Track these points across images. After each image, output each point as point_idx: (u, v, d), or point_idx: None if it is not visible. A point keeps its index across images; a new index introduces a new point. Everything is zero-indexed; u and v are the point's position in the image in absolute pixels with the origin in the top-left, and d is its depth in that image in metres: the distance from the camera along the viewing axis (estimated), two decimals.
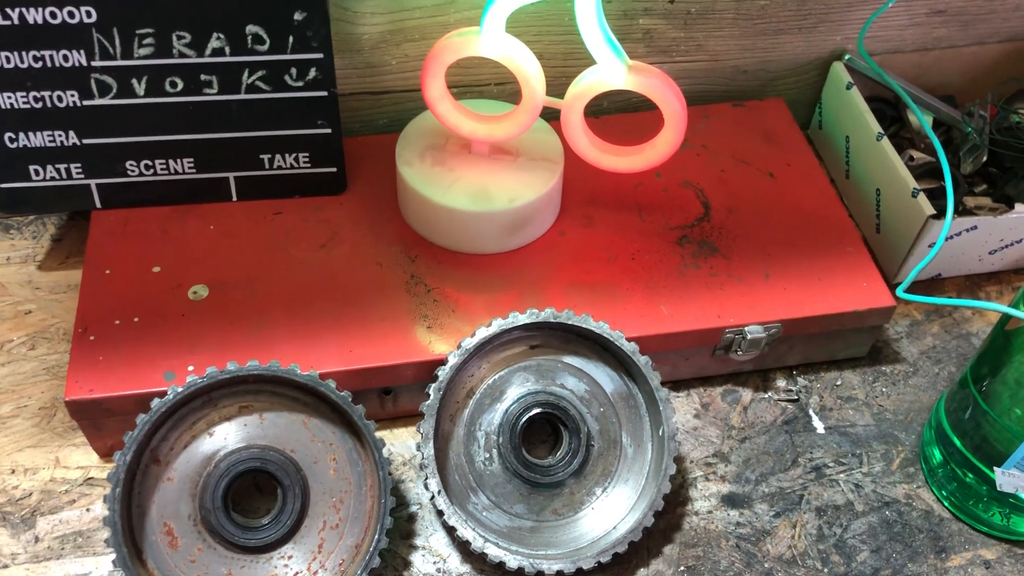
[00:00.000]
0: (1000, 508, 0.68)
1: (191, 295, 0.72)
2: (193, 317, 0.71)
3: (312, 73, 0.73)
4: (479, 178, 0.76)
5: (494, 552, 0.64)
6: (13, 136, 0.73)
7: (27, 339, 0.77)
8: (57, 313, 0.79)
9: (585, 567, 0.65)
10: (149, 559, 0.63)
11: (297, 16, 0.70)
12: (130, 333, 0.70)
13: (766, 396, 0.77)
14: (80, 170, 0.76)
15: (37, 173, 0.75)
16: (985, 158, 0.87)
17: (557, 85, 0.76)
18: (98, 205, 0.78)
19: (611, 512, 0.68)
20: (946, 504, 0.72)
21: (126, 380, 0.67)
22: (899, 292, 0.70)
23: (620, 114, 0.88)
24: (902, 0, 0.86)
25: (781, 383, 0.78)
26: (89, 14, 0.68)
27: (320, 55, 0.72)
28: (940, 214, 0.77)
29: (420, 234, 0.77)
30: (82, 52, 0.70)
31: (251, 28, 0.71)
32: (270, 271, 0.74)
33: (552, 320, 0.68)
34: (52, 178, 0.76)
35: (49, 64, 0.70)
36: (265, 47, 0.72)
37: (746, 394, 0.77)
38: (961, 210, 0.85)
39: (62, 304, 0.80)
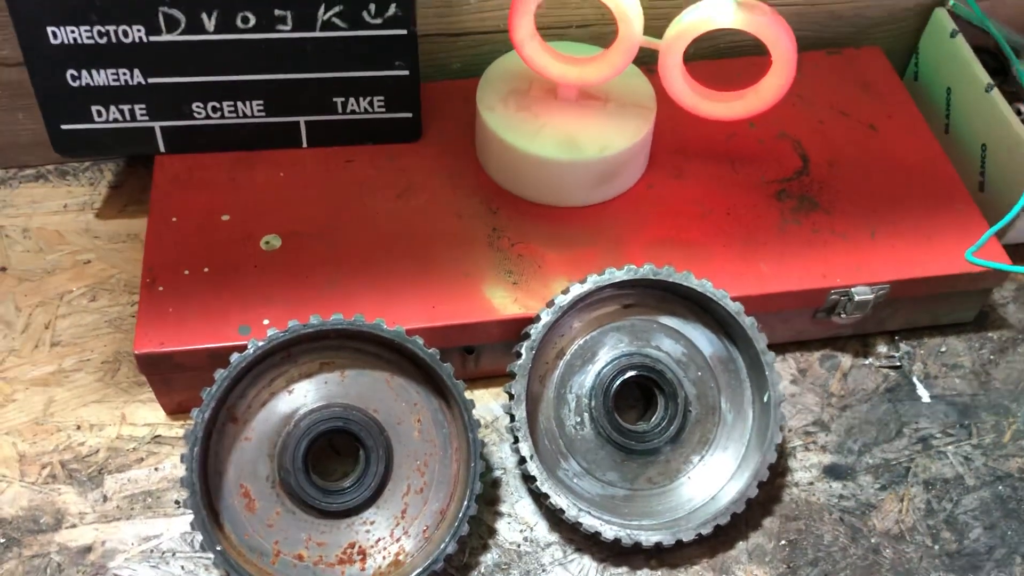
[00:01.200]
0: None
1: (263, 245, 0.68)
2: (266, 268, 0.67)
3: (392, 9, 0.69)
4: (566, 125, 0.71)
5: (589, 521, 0.61)
6: (75, 74, 0.69)
7: (87, 290, 0.74)
8: (117, 263, 0.75)
9: (685, 539, 0.61)
10: (226, 522, 0.59)
11: None
12: (201, 284, 0.66)
13: (867, 362, 0.73)
14: (144, 111, 0.71)
15: (99, 114, 0.71)
16: None
17: (645, 27, 0.71)
18: (162, 149, 0.74)
19: (709, 482, 0.64)
20: None
21: (199, 333, 0.63)
22: (968, 256, 0.66)
23: (703, 60, 0.83)
24: None
25: (882, 348, 0.74)
26: None
27: None
28: None
29: (501, 185, 0.73)
30: None
31: None
32: (345, 222, 0.70)
33: (651, 277, 0.64)
34: (115, 119, 0.72)
35: None
36: None
37: (846, 360, 0.73)
38: None
39: (122, 254, 0.76)
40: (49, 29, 0.66)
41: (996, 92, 0.78)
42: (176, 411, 0.68)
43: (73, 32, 0.67)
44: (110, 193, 0.80)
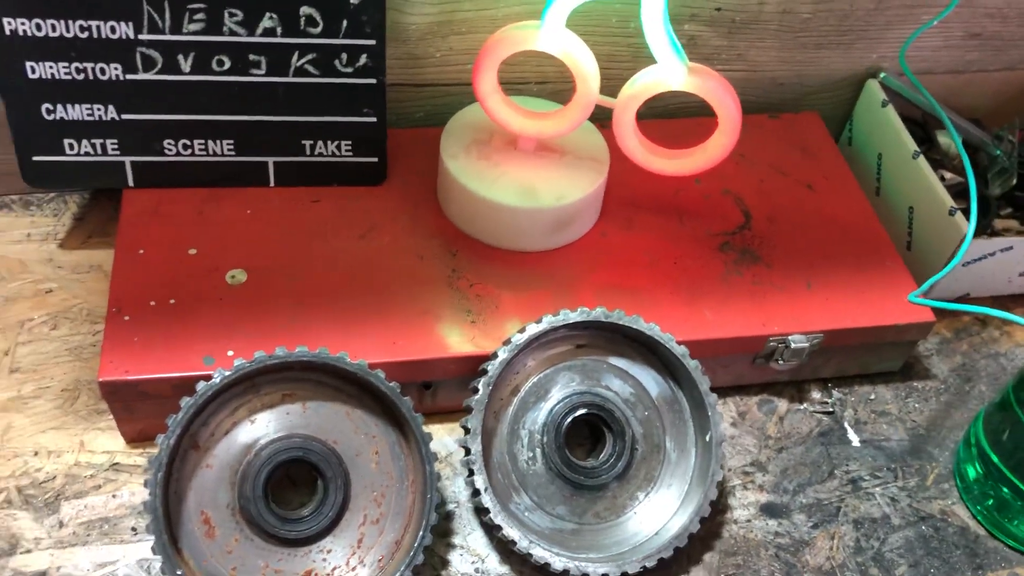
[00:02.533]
0: None
1: (229, 279, 0.70)
2: (231, 302, 0.69)
3: (363, 59, 0.72)
4: (525, 174, 0.75)
5: (539, 553, 0.63)
6: (51, 107, 0.71)
7: (48, 319, 0.75)
8: (79, 293, 0.77)
9: (631, 572, 0.63)
10: (184, 548, 0.60)
11: (353, 0, 0.69)
12: (166, 315, 0.68)
13: (801, 407, 0.77)
14: (116, 146, 0.73)
15: (71, 147, 0.73)
16: (1014, 181, 0.87)
17: (600, 86, 0.76)
18: (131, 184, 0.75)
19: (654, 517, 0.67)
20: (980, 520, 0.72)
21: (164, 362, 0.65)
22: (910, 297, 0.71)
23: (655, 119, 0.88)
24: (938, 22, 0.87)
25: (816, 395, 0.78)
26: None
27: (372, 41, 0.71)
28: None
29: (461, 229, 0.76)
30: (130, 24, 0.68)
31: (305, 10, 0.69)
32: (309, 259, 0.73)
33: (603, 319, 0.67)
34: (86, 153, 0.73)
35: (95, 35, 0.68)
36: (318, 30, 0.70)
37: (782, 404, 0.77)
38: (990, 232, 0.86)
39: (84, 284, 0.77)
40: (28, 63, 0.68)
41: (922, 159, 0.84)
42: (136, 439, 0.69)
43: (51, 67, 0.69)
44: (74, 224, 0.81)
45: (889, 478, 0.74)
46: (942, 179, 0.88)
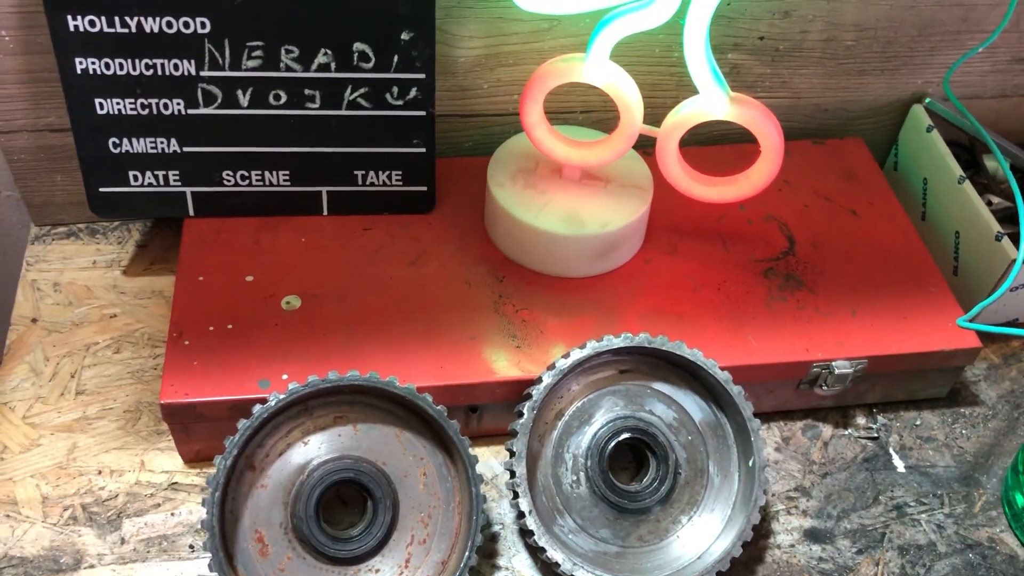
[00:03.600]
0: None
1: (284, 305, 0.73)
2: (286, 327, 0.72)
3: (413, 93, 0.74)
4: (570, 202, 0.77)
5: (583, 575, 0.64)
6: (117, 141, 0.74)
7: (112, 342, 0.78)
8: (141, 318, 0.80)
9: None
10: (239, 565, 0.63)
11: (404, 36, 0.72)
12: (224, 340, 0.70)
13: (846, 433, 0.77)
14: (177, 177, 0.77)
15: (136, 178, 0.76)
16: None
17: (644, 116, 0.77)
18: (191, 213, 0.79)
19: (697, 541, 0.68)
20: None
21: (221, 385, 0.68)
22: (959, 321, 0.70)
23: (698, 147, 0.89)
24: (986, 47, 0.87)
25: (861, 420, 0.78)
26: (204, 25, 0.70)
27: (422, 75, 0.74)
28: None
29: (508, 255, 0.78)
30: (192, 62, 0.71)
31: (358, 46, 0.72)
32: (361, 285, 0.75)
33: (646, 345, 0.68)
34: (149, 184, 0.77)
35: (159, 72, 0.71)
36: (370, 65, 0.73)
37: (826, 430, 0.77)
38: None
39: (146, 309, 0.80)
40: (97, 100, 0.72)
41: (968, 184, 0.84)
42: (194, 460, 0.72)
43: (119, 104, 0.72)
44: (137, 252, 0.84)
45: (935, 504, 0.74)
46: (989, 204, 0.87)
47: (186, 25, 0.69)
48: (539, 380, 0.67)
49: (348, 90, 0.74)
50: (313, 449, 0.65)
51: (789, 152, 0.89)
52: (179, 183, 0.77)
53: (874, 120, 0.93)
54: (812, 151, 0.90)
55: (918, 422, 0.79)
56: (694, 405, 0.70)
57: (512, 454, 0.66)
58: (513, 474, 0.66)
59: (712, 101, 0.70)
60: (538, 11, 0.68)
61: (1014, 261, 0.77)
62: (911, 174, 0.92)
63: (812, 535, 0.71)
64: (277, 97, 0.74)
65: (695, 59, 0.68)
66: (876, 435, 0.77)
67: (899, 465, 0.76)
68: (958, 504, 0.74)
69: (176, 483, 0.71)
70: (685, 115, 0.71)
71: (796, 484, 0.74)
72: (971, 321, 0.75)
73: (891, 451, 0.77)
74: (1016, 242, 0.80)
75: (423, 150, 0.77)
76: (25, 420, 0.73)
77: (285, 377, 0.68)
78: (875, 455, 0.76)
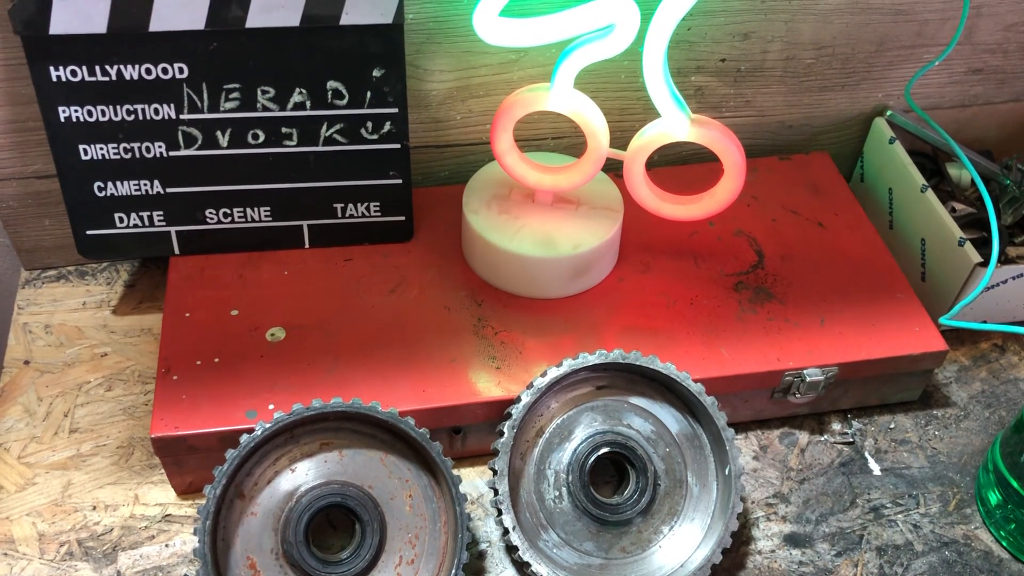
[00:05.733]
0: None
1: (269, 337, 0.75)
2: (271, 358, 0.74)
3: (387, 127, 0.77)
4: (543, 226, 0.79)
5: None
6: (102, 185, 0.76)
7: (104, 381, 0.80)
8: (132, 356, 0.82)
9: None
10: None
11: (376, 73, 0.74)
12: (211, 373, 0.72)
13: (822, 439, 0.79)
14: (162, 217, 0.79)
15: (121, 220, 0.79)
16: None
17: (612, 139, 0.80)
18: (176, 251, 0.81)
19: (678, 550, 0.70)
20: (1004, 545, 0.73)
21: (210, 418, 0.69)
22: (942, 320, 0.73)
23: (668, 167, 0.92)
24: (942, 60, 0.90)
25: (836, 426, 0.80)
26: (181, 70, 0.72)
27: (395, 110, 0.76)
28: (985, 262, 0.80)
29: (485, 280, 0.80)
30: (172, 106, 0.74)
31: (332, 84, 0.75)
32: (343, 314, 0.77)
33: (621, 361, 0.70)
34: (135, 225, 0.79)
35: (140, 117, 0.74)
36: (344, 102, 0.75)
37: (803, 436, 0.79)
38: (1004, 259, 0.88)
39: (136, 347, 0.82)
40: (81, 147, 0.74)
41: (930, 192, 0.86)
42: (186, 491, 0.73)
43: (102, 149, 0.75)
44: (125, 291, 0.87)
45: (911, 505, 0.75)
46: (952, 211, 0.90)
47: (164, 71, 0.72)
48: (518, 399, 0.69)
49: (324, 127, 0.76)
50: (301, 475, 0.67)
51: (756, 168, 0.92)
52: (164, 223, 0.79)
53: (838, 134, 0.96)
54: (779, 167, 0.92)
55: (892, 425, 0.81)
56: (670, 417, 0.72)
57: (495, 472, 0.68)
58: (496, 492, 0.68)
59: (674, 123, 0.73)
60: (502, 44, 0.70)
61: (984, 262, 0.80)
62: (877, 185, 0.94)
63: (792, 540, 0.73)
64: (255, 136, 0.76)
65: (655, 84, 0.70)
66: (852, 440, 0.79)
67: (875, 468, 0.78)
68: (933, 504, 0.76)
69: (169, 515, 0.73)
70: (648, 138, 0.74)
71: (775, 491, 0.76)
72: (954, 319, 0.78)
73: (867, 455, 0.79)
74: (978, 246, 0.83)
75: (399, 181, 0.80)
76: (20, 460, 0.75)
77: (271, 407, 0.70)
78: (851, 459, 0.78)
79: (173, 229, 0.80)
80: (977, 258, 0.80)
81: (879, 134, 0.93)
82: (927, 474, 0.77)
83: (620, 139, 0.80)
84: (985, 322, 0.88)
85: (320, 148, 0.77)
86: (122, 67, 0.71)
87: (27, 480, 0.74)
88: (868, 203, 0.96)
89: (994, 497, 0.73)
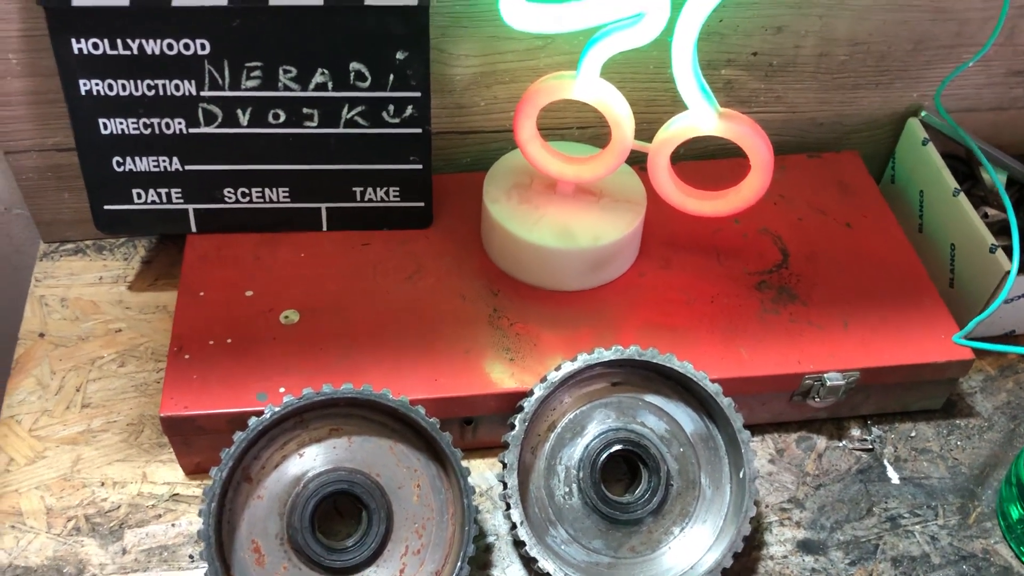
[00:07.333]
0: None
1: (282, 319, 0.74)
2: (284, 341, 0.73)
3: (409, 111, 0.76)
4: (564, 217, 0.78)
5: None
6: (121, 160, 0.76)
7: (117, 356, 0.80)
8: (146, 332, 0.81)
9: None
10: (236, 575, 0.64)
11: (399, 56, 0.73)
12: (223, 354, 0.72)
13: (840, 444, 0.78)
14: (180, 195, 0.78)
15: (139, 196, 0.78)
16: None
17: (639, 131, 0.78)
18: (193, 229, 0.80)
19: (688, 552, 0.68)
20: None
21: (220, 399, 0.69)
22: (955, 338, 0.71)
23: (694, 161, 0.90)
24: (980, 60, 0.87)
25: (855, 432, 0.79)
26: (203, 46, 0.71)
27: (418, 94, 0.75)
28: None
29: (503, 269, 0.79)
30: (193, 82, 0.73)
31: (354, 65, 0.73)
32: (358, 300, 0.76)
33: (636, 358, 0.69)
34: (152, 202, 0.78)
35: (161, 93, 0.73)
36: (366, 84, 0.74)
37: (820, 441, 0.78)
38: None
39: (151, 324, 0.82)
40: (101, 121, 0.74)
41: (963, 196, 0.84)
42: (194, 471, 0.73)
43: (122, 123, 0.74)
44: (142, 268, 0.86)
45: (929, 516, 0.74)
46: (985, 216, 0.88)
47: (186, 47, 0.71)
48: (531, 392, 0.68)
49: (345, 109, 0.75)
50: (309, 461, 0.66)
51: (785, 166, 0.90)
52: (181, 200, 0.79)
53: (869, 133, 0.94)
54: (807, 164, 0.90)
55: (913, 433, 0.79)
56: (686, 417, 0.71)
57: (504, 465, 0.67)
58: (505, 485, 0.67)
59: (701, 117, 0.71)
60: (529, 30, 0.69)
61: (1008, 273, 0.78)
62: (908, 187, 0.92)
63: (805, 546, 0.72)
64: (276, 116, 0.75)
65: (683, 76, 0.69)
66: (871, 446, 0.78)
67: (893, 476, 0.76)
68: (952, 516, 0.74)
69: (177, 494, 0.72)
70: (675, 131, 0.72)
71: (790, 495, 0.74)
72: (966, 337, 0.75)
73: (885, 462, 0.77)
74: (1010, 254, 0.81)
75: (420, 167, 0.79)
76: (31, 433, 0.75)
77: (282, 390, 0.69)
78: (869, 466, 0.76)
79: (191, 207, 0.79)
80: (1009, 266, 0.78)
81: (912, 135, 0.91)
82: (947, 485, 0.76)
83: (646, 131, 0.79)
84: (1012, 333, 0.86)
85: (341, 130, 0.76)
86: (144, 42, 0.70)
87: (37, 453, 0.74)
88: (898, 205, 0.94)
89: (1016, 512, 0.72)
